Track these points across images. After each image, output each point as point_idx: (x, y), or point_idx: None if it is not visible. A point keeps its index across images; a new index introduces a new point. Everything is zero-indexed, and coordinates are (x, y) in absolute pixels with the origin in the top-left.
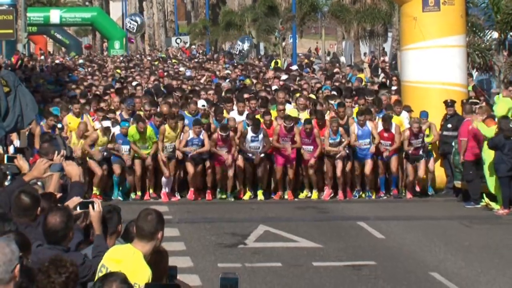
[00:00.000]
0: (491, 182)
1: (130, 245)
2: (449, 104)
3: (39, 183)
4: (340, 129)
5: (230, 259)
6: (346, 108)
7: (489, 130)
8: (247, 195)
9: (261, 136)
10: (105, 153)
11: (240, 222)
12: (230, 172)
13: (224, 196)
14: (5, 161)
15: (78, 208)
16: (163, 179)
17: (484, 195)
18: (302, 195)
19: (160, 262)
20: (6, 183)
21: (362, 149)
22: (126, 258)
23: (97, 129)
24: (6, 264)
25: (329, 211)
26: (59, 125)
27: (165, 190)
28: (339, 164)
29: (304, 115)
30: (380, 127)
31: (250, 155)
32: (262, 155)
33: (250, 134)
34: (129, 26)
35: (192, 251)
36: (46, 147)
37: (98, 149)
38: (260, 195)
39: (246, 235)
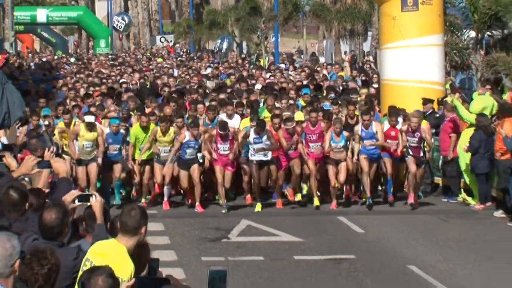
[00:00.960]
0: (468, 177)
1: (114, 239)
2: (427, 102)
3: (26, 179)
4: (345, 132)
5: (213, 253)
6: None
7: (470, 115)
8: (258, 207)
9: (264, 137)
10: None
11: (223, 217)
12: (229, 173)
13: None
14: None
15: (76, 201)
16: (165, 188)
17: (462, 190)
18: (298, 196)
19: (141, 255)
20: None
21: (368, 149)
22: (110, 253)
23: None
24: (7, 259)
25: (310, 206)
26: (46, 122)
27: (166, 199)
28: (342, 171)
29: (299, 116)
30: (386, 126)
31: (255, 157)
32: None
33: (252, 136)
34: (117, 25)
35: (176, 245)
36: (34, 143)
37: (82, 146)
38: (258, 208)
39: (229, 230)
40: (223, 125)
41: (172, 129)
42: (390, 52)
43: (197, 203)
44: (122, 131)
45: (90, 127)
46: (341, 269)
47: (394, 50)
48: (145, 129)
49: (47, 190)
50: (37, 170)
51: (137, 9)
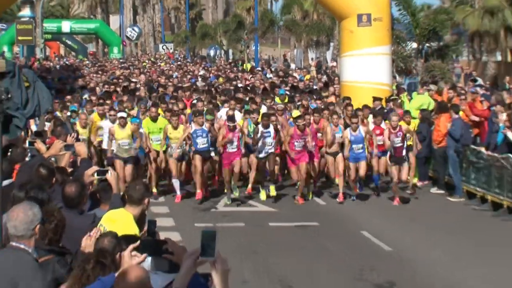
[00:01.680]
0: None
1: (123, 209)
2: (376, 99)
3: (53, 159)
4: (341, 125)
5: (204, 220)
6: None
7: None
8: (263, 194)
9: (272, 130)
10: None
11: (212, 191)
12: (237, 168)
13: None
14: (27, 145)
15: (95, 174)
16: (174, 182)
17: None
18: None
19: (141, 220)
20: (27, 159)
21: (356, 153)
22: (120, 219)
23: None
24: (28, 224)
25: (285, 185)
26: (68, 113)
27: (179, 193)
28: (340, 165)
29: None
30: (371, 125)
31: (262, 154)
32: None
33: (260, 130)
34: (130, 35)
35: (174, 214)
36: (59, 130)
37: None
38: (272, 191)
39: (217, 202)
40: (231, 117)
41: (181, 126)
42: (348, 59)
43: (197, 190)
44: (141, 130)
45: (123, 123)
46: (307, 234)
47: (351, 58)
48: (154, 120)
49: (70, 169)
50: (64, 152)
51: (144, 22)
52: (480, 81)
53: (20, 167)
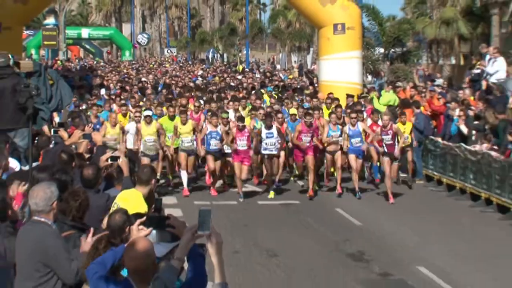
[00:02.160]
0: None
1: (134, 189)
2: (349, 96)
3: (73, 146)
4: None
5: (202, 199)
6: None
7: (381, 106)
8: (272, 194)
9: (275, 132)
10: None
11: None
12: (245, 167)
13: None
14: (52, 133)
15: (109, 160)
16: (183, 176)
17: None
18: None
19: (149, 198)
20: (51, 146)
21: (355, 146)
22: (131, 198)
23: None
24: (47, 200)
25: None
26: (84, 106)
27: (186, 186)
28: (339, 160)
29: (292, 110)
30: (369, 122)
31: (266, 151)
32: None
33: (264, 131)
34: (141, 40)
35: (176, 193)
36: (78, 122)
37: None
38: (271, 194)
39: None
40: (240, 118)
41: (190, 121)
42: (325, 62)
43: (212, 188)
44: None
45: (149, 120)
46: (290, 210)
47: (328, 61)
48: (172, 118)
49: (87, 155)
50: (82, 140)
51: (151, 30)
52: (441, 81)
53: (44, 152)
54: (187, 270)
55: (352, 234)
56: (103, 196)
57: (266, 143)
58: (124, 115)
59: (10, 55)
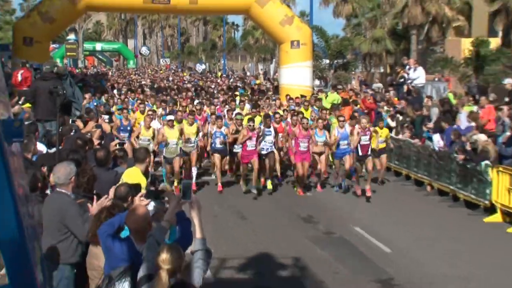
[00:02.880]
0: None
1: (135, 167)
2: (302, 97)
3: (88, 134)
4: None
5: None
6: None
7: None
8: (269, 184)
9: (273, 130)
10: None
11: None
12: (256, 164)
13: (248, 189)
14: (70, 122)
15: (117, 145)
16: (193, 171)
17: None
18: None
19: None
20: (72, 133)
21: (342, 149)
22: (133, 174)
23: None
24: (67, 175)
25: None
26: (95, 103)
27: (194, 181)
28: (323, 161)
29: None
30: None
31: (264, 148)
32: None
33: (263, 129)
34: (144, 52)
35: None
36: (92, 115)
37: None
38: (269, 185)
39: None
40: (252, 119)
41: (195, 124)
42: (284, 70)
43: (218, 184)
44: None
45: (171, 124)
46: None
47: (287, 69)
48: (179, 122)
49: (97, 141)
50: (95, 129)
51: (150, 44)
52: (380, 85)
53: (65, 138)
54: (177, 230)
55: (321, 213)
56: (112, 173)
57: (264, 141)
58: (142, 112)
59: (57, 63)
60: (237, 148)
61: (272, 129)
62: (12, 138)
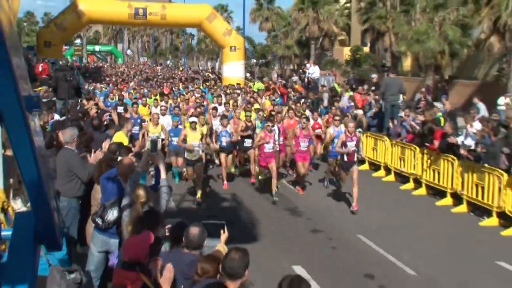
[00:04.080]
0: None
1: (120, 131)
2: (238, 84)
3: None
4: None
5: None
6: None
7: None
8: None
9: (276, 128)
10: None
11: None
12: (274, 170)
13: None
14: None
15: (108, 116)
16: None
17: None
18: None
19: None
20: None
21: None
22: (120, 136)
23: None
24: (72, 135)
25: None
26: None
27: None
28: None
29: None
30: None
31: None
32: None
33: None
34: (129, 53)
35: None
36: (92, 96)
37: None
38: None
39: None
40: (269, 119)
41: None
42: (226, 66)
43: (224, 182)
44: (180, 126)
45: (194, 126)
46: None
47: (227, 66)
48: (202, 125)
49: (94, 113)
50: (93, 106)
51: (133, 47)
52: (296, 78)
53: (72, 111)
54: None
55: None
56: (104, 135)
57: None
58: (144, 105)
59: (69, 59)
60: (247, 143)
61: (275, 127)
62: (32, 109)
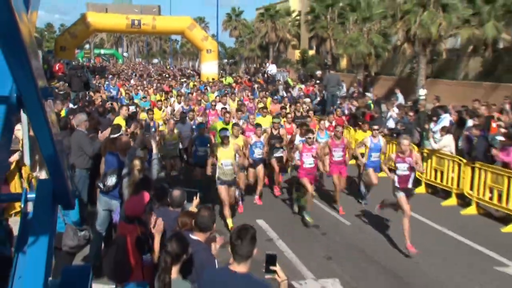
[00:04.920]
0: None
1: (119, 116)
2: (213, 79)
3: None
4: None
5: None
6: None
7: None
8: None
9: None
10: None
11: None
12: (309, 187)
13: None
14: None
15: (110, 104)
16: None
17: None
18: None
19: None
20: (87, 98)
21: (373, 161)
22: (118, 119)
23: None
24: (82, 120)
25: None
26: (113, 93)
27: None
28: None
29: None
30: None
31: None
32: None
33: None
34: (127, 55)
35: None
36: (98, 88)
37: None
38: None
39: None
40: (309, 130)
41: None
42: (204, 65)
43: (256, 196)
44: (206, 134)
45: (227, 142)
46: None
47: (204, 65)
48: (236, 136)
49: (99, 103)
50: (99, 98)
51: (130, 51)
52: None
53: (82, 101)
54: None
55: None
56: (107, 119)
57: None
58: (160, 109)
59: (80, 60)
60: (277, 153)
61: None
62: (47, 97)
